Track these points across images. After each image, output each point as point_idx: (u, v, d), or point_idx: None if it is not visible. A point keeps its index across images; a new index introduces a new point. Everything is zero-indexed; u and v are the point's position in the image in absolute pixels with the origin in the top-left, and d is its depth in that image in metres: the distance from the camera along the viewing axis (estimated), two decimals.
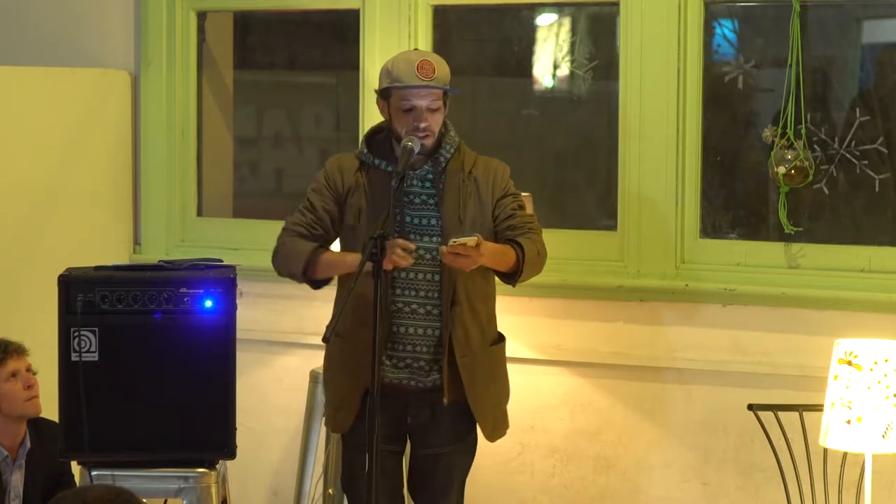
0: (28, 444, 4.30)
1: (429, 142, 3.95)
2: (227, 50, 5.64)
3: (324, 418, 4.34)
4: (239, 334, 4.10)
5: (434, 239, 3.96)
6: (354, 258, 3.84)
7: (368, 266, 3.65)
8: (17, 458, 4.31)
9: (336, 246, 4.12)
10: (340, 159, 4.09)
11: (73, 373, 3.99)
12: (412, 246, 3.83)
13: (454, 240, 3.73)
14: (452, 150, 4.01)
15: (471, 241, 3.73)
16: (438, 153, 3.99)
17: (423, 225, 3.97)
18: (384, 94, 3.98)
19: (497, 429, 4.11)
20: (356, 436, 4.02)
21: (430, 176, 3.98)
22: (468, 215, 3.97)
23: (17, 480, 4.30)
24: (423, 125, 3.92)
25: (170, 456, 4.06)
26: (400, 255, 3.77)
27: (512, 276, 3.97)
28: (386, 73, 3.97)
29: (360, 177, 4.01)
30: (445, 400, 3.97)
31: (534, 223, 4.03)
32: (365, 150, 4.03)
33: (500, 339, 4.15)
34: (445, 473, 4.09)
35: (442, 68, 3.97)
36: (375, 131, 4.09)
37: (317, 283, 4.05)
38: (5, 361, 4.22)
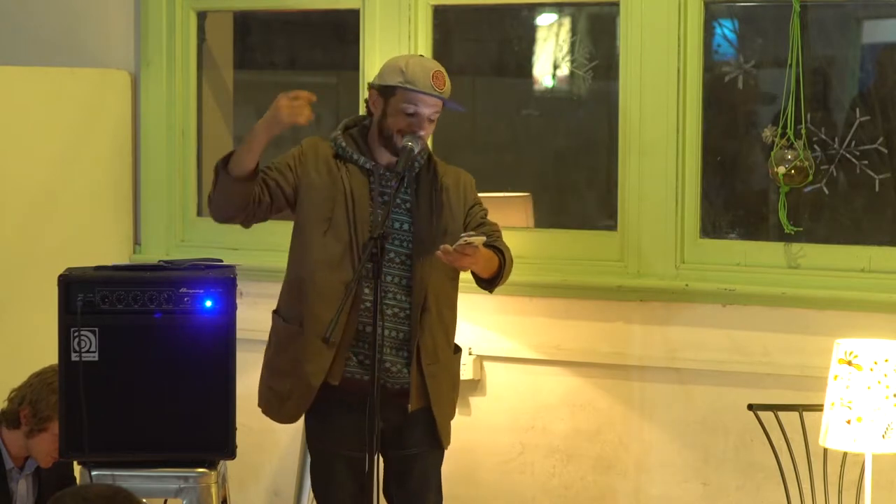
0: None
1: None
2: (227, 50, 5.64)
3: (262, 406, 4.19)
4: (239, 334, 4.10)
5: (405, 243, 3.97)
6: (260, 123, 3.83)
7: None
8: (23, 468, 4.32)
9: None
10: (317, 145, 4.05)
11: (73, 373, 3.99)
12: (304, 94, 3.82)
13: (464, 238, 3.74)
14: (425, 157, 4.04)
15: (478, 239, 3.75)
16: None
17: (395, 228, 3.98)
18: (386, 91, 3.99)
19: (449, 436, 4.11)
20: (320, 441, 4.03)
21: (405, 180, 4.00)
22: (440, 222, 3.99)
23: (22, 489, 4.31)
24: (422, 133, 3.95)
25: (170, 456, 4.06)
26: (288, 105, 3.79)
27: (491, 282, 4.02)
28: (398, 71, 3.96)
29: (335, 168, 3.99)
30: (411, 407, 3.97)
31: (500, 231, 4.11)
32: (343, 144, 4.03)
33: (458, 348, 4.17)
34: (422, 473, 4.09)
35: (449, 84, 4.00)
36: (348, 126, 4.09)
37: (238, 185, 3.91)
38: (55, 419, 4.20)
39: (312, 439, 4.10)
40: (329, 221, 3.94)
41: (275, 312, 4.13)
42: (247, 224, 4.05)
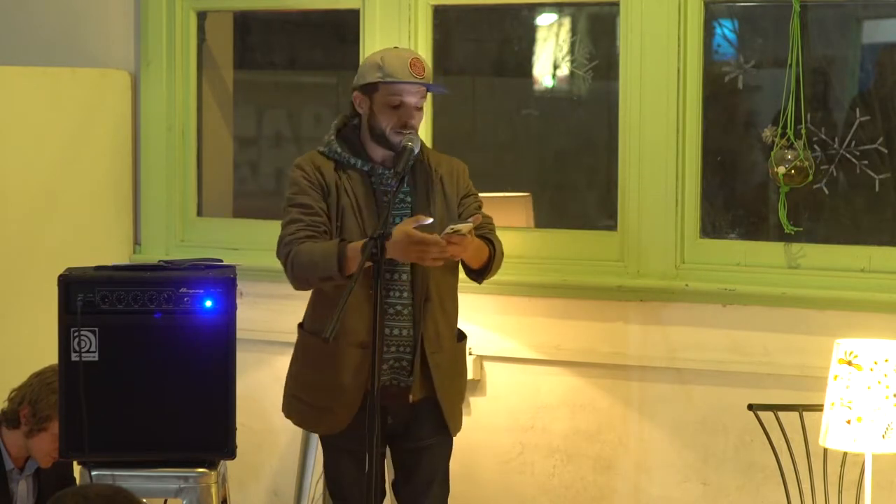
0: None
1: None
2: (227, 50, 5.64)
3: (292, 418, 4.18)
4: (239, 334, 4.10)
5: None
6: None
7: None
8: (23, 469, 4.33)
9: None
10: (313, 158, 4.04)
11: (73, 373, 3.99)
12: (427, 219, 3.80)
13: (451, 227, 3.73)
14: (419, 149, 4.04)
15: (465, 227, 3.73)
16: None
17: (398, 222, 3.98)
18: (368, 89, 3.99)
19: (458, 423, 4.12)
20: (342, 439, 4.00)
21: (405, 180, 4.00)
22: (437, 212, 3.98)
23: (22, 490, 4.32)
24: (412, 122, 3.95)
25: (170, 456, 4.06)
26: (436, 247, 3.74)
27: (481, 273, 4.02)
28: (375, 67, 3.97)
29: (337, 176, 3.99)
30: (412, 398, 3.96)
31: (493, 224, 4.10)
32: (339, 150, 4.02)
33: (463, 335, 4.17)
34: (429, 465, 4.08)
35: (429, 68, 4.01)
36: (339, 129, 4.08)
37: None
38: (55, 419, 4.20)
39: (327, 440, 4.09)
40: (340, 231, 3.94)
41: (300, 326, 4.12)
42: None
